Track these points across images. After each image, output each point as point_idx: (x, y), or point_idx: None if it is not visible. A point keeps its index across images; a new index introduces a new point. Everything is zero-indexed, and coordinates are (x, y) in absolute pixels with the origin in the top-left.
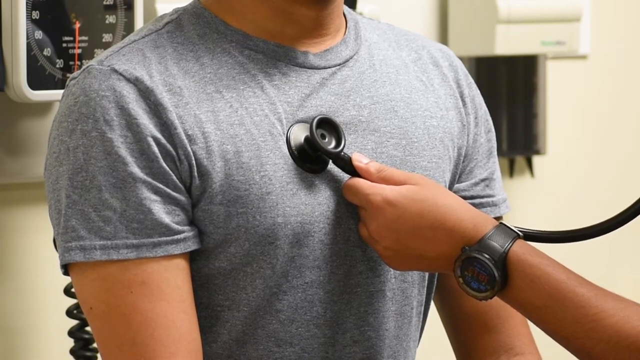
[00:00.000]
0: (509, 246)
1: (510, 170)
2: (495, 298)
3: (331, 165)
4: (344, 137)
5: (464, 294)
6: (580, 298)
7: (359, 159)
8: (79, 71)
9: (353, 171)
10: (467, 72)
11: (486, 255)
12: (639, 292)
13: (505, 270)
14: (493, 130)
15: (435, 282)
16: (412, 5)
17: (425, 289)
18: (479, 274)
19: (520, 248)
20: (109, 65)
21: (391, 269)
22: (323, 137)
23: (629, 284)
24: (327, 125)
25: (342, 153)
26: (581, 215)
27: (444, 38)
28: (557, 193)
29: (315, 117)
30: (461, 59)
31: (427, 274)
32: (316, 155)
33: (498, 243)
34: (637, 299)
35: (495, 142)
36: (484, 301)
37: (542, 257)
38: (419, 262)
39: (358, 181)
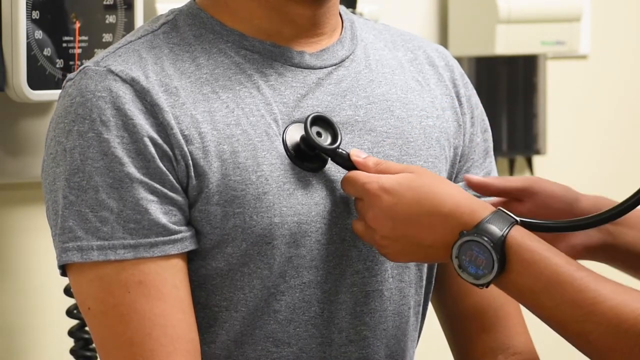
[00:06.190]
0: (507, 230)
1: (510, 170)
2: (493, 296)
3: (328, 165)
4: (340, 133)
5: (462, 294)
6: (579, 282)
7: (357, 154)
8: (75, 72)
9: (351, 167)
10: (463, 72)
11: (485, 238)
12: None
13: (503, 254)
14: (489, 130)
15: (434, 282)
16: (412, 6)
17: (424, 289)
18: (476, 258)
19: (518, 232)
20: (105, 66)
21: (388, 269)
22: (319, 134)
23: (628, 282)
24: (322, 122)
25: (339, 149)
26: None
27: (444, 38)
28: None
29: (309, 115)
30: (461, 59)
31: (425, 274)
32: (313, 153)
33: (496, 227)
34: None
35: (492, 142)
36: (481, 288)
37: (540, 242)
38: (416, 251)
39: (355, 172)
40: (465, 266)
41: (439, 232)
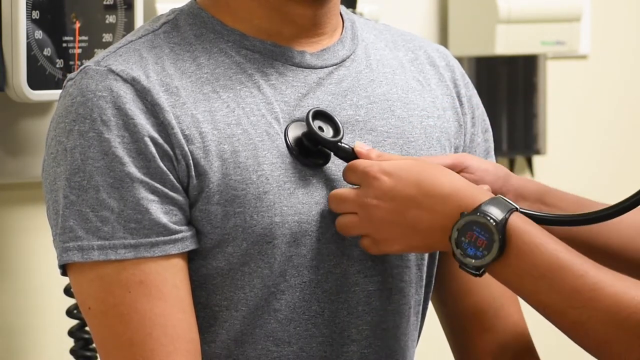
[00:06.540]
0: (508, 214)
1: (510, 170)
2: (494, 296)
3: (329, 164)
4: (342, 126)
5: (463, 294)
6: (580, 267)
7: (361, 146)
8: (75, 72)
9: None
10: (463, 72)
11: (488, 218)
12: None
13: (504, 236)
14: (490, 130)
15: (434, 282)
16: (412, 6)
17: (424, 288)
18: (477, 239)
19: (518, 218)
20: (105, 66)
21: (388, 269)
22: (321, 129)
23: None
24: (323, 117)
25: (341, 143)
26: None
27: (444, 38)
28: None
29: (310, 109)
30: (461, 59)
31: (425, 273)
32: (316, 149)
33: (498, 209)
34: None
35: (492, 142)
36: (476, 275)
37: (540, 229)
38: (413, 235)
39: (357, 160)
40: (464, 248)
41: (438, 215)
